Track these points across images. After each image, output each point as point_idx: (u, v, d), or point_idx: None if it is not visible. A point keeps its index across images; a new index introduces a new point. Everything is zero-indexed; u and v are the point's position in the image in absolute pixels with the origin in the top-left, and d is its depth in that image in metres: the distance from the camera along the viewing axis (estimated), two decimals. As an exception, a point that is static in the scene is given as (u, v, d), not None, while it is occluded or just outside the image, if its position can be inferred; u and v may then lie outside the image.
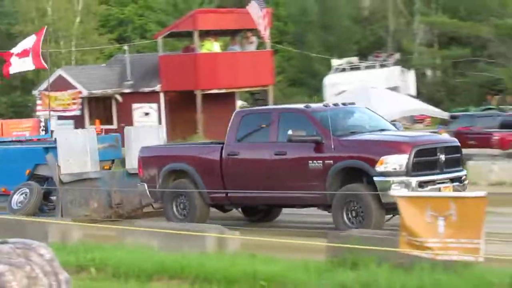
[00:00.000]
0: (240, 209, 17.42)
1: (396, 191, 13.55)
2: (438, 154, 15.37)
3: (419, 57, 60.32)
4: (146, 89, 34.57)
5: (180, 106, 34.17)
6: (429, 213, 10.18)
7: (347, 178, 15.28)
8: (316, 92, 50.97)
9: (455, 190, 15.29)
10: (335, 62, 50.08)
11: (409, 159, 14.93)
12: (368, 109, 17.87)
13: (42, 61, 23.75)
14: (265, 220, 17.57)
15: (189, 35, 35.28)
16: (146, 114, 34.26)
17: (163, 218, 17.00)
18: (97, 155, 19.62)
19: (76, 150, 19.08)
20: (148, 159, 17.26)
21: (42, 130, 24.19)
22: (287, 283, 10.47)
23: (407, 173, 14.91)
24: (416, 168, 15.02)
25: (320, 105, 17.64)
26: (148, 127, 21.46)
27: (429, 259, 10.20)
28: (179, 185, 16.61)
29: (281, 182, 15.62)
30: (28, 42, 23.83)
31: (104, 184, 18.89)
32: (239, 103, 36.22)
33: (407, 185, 14.82)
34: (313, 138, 15.38)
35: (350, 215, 14.84)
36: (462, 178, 15.72)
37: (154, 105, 34.35)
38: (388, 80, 45.74)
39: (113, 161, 20.96)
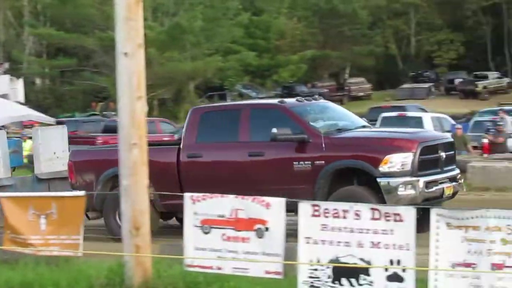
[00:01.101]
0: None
1: (404, 194, 13.26)
2: (439, 151, 14.21)
3: (28, 67, 63.50)
4: None
5: None
6: (31, 212, 10.69)
7: (339, 180, 13.92)
8: None
9: (455, 190, 14.46)
10: None
11: (414, 157, 13.64)
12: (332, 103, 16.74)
13: None
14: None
15: None
16: None
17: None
18: (8, 159, 17.90)
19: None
20: (83, 164, 15.52)
21: None
22: None
23: (413, 173, 13.64)
24: (421, 167, 13.77)
25: (293, 100, 15.63)
26: (54, 127, 19.27)
27: (32, 255, 10.71)
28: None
29: (257, 186, 13.45)
30: None
31: (16, 191, 16.38)
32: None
33: (414, 186, 13.62)
34: (300, 137, 13.95)
35: None
36: (458, 177, 14.65)
37: None
38: (-3, 88, 46.75)
39: (14, 168, 19.37)
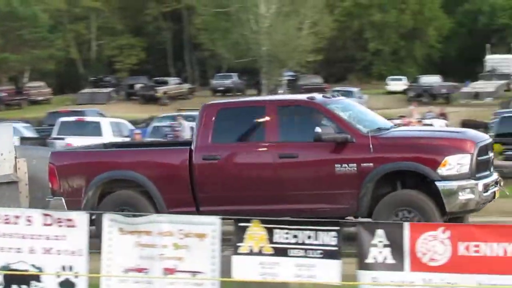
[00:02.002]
0: None
1: (464, 198, 12.66)
2: (489, 152, 13.57)
3: None
4: None
5: None
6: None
7: (383, 185, 12.96)
8: None
9: (499, 193, 13.78)
10: None
11: (472, 158, 12.85)
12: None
13: None
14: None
15: None
16: None
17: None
18: None
19: None
20: (68, 167, 13.80)
21: None
22: None
23: (471, 176, 12.85)
24: (478, 169, 13.03)
25: (320, 96, 14.29)
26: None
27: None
28: (120, 198, 13.42)
29: (289, 192, 12.89)
30: None
31: None
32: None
33: (474, 190, 12.84)
34: (343, 136, 12.85)
35: None
36: (499, 179, 13.90)
37: None
38: None
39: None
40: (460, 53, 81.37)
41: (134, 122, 34.90)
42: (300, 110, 13.51)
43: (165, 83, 68.58)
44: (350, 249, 9.79)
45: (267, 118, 13.24)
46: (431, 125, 29.15)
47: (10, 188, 14.80)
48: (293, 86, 67.41)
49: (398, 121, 25.42)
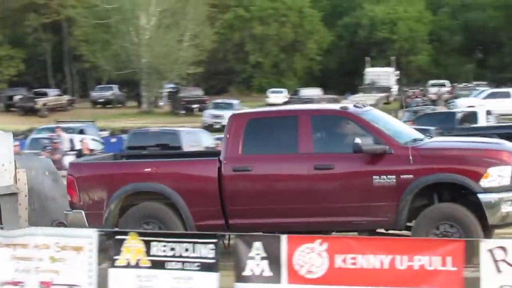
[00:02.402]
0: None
1: (507, 210, 12.38)
2: None
3: None
4: None
5: None
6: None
7: (423, 197, 12.81)
8: None
9: None
10: None
11: (511, 170, 12.73)
12: None
13: None
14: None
15: None
16: None
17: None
18: None
19: None
20: (89, 178, 13.27)
21: None
22: None
23: (511, 188, 12.74)
24: None
25: (352, 106, 14.16)
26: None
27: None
28: (146, 210, 13.03)
29: (324, 203, 12.73)
30: None
31: None
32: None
33: None
34: (381, 148, 12.65)
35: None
36: None
37: None
38: None
39: None
40: (340, 66, 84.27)
41: (13, 134, 34.43)
42: (335, 120, 13.28)
43: (44, 94, 67.88)
44: (228, 261, 9.93)
45: (301, 128, 12.94)
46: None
47: (10, 200, 14.27)
48: (173, 98, 68.11)
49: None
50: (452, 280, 9.46)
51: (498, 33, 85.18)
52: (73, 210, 13.07)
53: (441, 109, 46.84)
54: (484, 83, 72.21)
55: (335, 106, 14.72)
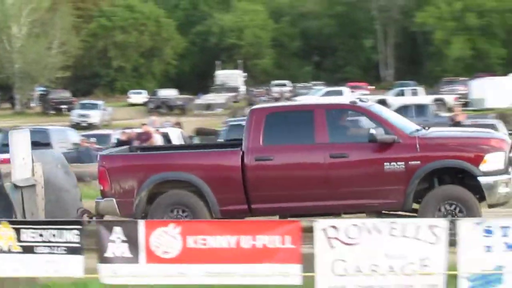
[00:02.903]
0: None
1: (503, 191, 13.40)
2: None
3: None
4: None
5: None
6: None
7: (425, 181, 13.60)
8: None
9: None
10: None
11: (505, 156, 13.68)
12: None
13: None
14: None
15: None
16: None
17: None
18: None
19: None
20: (121, 169, 14.03)
21: None
22: None
23: (506, 171, 13.64)
24: (509, 165, 13.84)
25: (358, 100, 15.00)
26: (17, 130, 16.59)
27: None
28: (174, 197, 13.79)
29: (340, 188, 13.47)
30: None
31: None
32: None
33: (508, 184, 13.68)
34: (391, 137, 13.42)
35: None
36: None
37: None
38: None
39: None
40: (194, 69, 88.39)
41: None
42: (347, 113, 14.17)
43: None
44: (92, 245, 10.25)
45: (316, 121, 13.60)
46: (167, 133, 30.34)
47: (30, 191, 14.46)
48: (44, 100, 70.14)
49: (140, 130, 28.09)
50: (290, 256, 9.83)
51: (332, 39, 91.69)
52: (105, 198, 13.79)
53: (283, 106, 49.63)
54: (321, 82, 77.69)
55: (346, 101, 15.56)
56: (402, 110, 37.87)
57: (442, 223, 9.74)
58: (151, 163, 14.06)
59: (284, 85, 77.71)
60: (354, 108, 14.09)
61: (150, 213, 13.58)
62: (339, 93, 58.20)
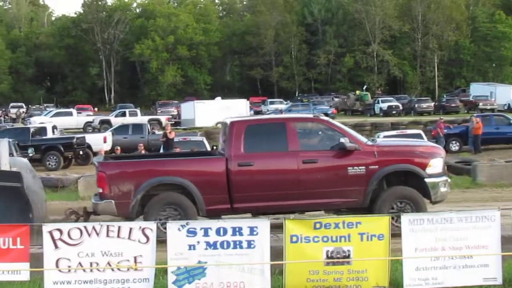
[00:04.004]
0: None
1: (443, 190, 15.00)
2: None
3: None
4: None
5: None
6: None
7: (386, 182, 15.06)
8: None
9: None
10: None
11: (443, 161, 15.36)
12: None
13: None
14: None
15: None
16: None
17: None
18: None
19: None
20: (119, 174, 14.95)
21: None
22: None
23: (444, 174, 15.36)
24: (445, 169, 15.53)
25: (318, 114, 16.95)
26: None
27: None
28: (167, 198, 14.83)
29: (310, 189, 14.66)
30: None
31: None
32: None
33: (447, 184, 15.35)
34: (354, 145, 14.75)
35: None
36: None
37: None
38: None
39: None
40: None
41: None
42: (313, 125, 15.35)
43: None
44: None
45: (289, 132, 14.82)
46: None
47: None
48: None
49: None
50: (21, 255, 10.28)
51: (62, 67, 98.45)
52: (104, 200, 14.67)
53: (19, 125, 50.04)
54: (52, 105, 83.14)
55: (309, 115, 17.56)
56: (122, 128, 42.43)
57: (151, 225, 10.73)
58: (147, 169, 15.02)
59: (20, 107, 78.71)
60: (319, 121, 15.52)
61: (146, 211, 14.69)
62: (69, 114, 59.86)
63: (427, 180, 14.89)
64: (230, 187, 14.69)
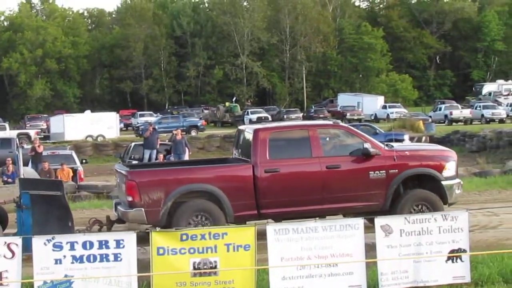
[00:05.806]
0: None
1: (458, 192, 15.70)
2: None
3: None
4: None
5: None
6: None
7: (407, 185, 15.58)
8: None
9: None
10: None
11: (456, 164, 16.10)
12: None
13: None
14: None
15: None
16: None
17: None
18: None
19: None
20: (149, 183, 15.07)
21: None
22: None
23: (457, 176, 16.05)
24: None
25: (337, 121, 17.66)
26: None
27: None
28: (197, 205, 15.02)
29: (336, 193, 15.12)
30: None
31: None
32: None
33: (460, 186, 15.97)
34: (375, 151, 15.31)
35: None
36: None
37: None
38: None
39: None
40: None
41: None
42: (335, 132, 15.87)
43: None
44: None
45: (312, 138, 15.30)
46: None
47: None
48: None
49: None
50: None
51: None
52: (134, 209, 14.86)
53: None
54: None
55: (329, 122, 18.38)
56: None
57: (17, 240, 10.82)
58: (176, 177, 15.28)
59: None
60: (341, 128, 16.19)
61: (176, 219, 14.80)
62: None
63: (443, 183, 15.53)
64: (257, 193, 15.02)
